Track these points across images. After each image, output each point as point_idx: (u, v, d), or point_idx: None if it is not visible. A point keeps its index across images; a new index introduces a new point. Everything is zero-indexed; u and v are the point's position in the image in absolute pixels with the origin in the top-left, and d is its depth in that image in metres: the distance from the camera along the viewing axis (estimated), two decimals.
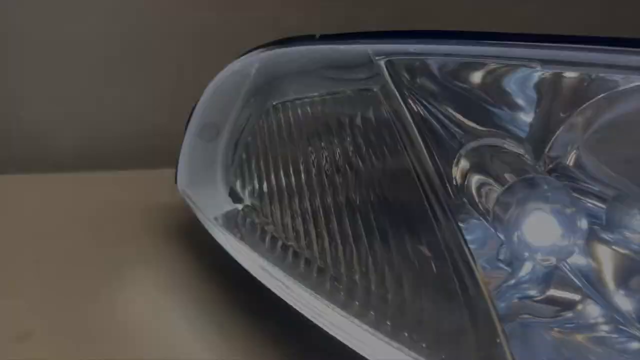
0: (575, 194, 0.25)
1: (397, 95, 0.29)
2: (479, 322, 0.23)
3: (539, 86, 0.27)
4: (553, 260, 0.24)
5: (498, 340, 0.22)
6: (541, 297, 0.26)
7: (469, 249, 0.24)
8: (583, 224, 0.23)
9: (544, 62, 0.27)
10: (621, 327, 0.26)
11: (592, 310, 0.26)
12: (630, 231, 0.25)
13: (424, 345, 0.25)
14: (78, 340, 0.31)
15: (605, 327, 0.26)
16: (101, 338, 0.31)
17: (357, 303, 0.28)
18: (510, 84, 0.28)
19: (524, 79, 0.28)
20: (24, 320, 0.32)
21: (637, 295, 0.25)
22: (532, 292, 0.26)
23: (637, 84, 0.25)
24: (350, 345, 0.25)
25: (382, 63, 0.30)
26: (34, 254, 0.38)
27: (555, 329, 0.26)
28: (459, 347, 0.24)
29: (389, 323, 0.26)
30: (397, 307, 0.27)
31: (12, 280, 0.36)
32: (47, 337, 0.31)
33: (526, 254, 0.24)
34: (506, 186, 0.25)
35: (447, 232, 0.25)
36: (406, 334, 0.25)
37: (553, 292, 0.26)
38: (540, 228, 0.23)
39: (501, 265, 0.26)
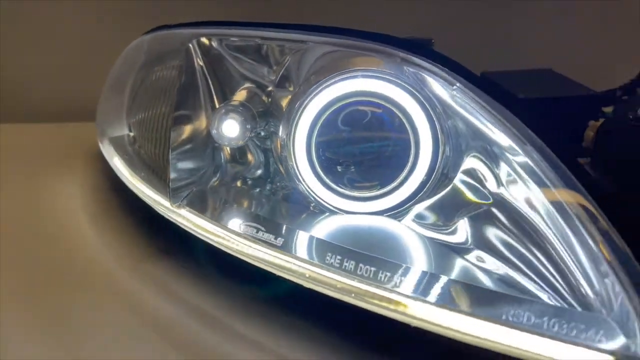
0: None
1: (200, 58, 0.49)
2: None
3: (267, 52, 0.46)
4: (238, 143, 0.44)
5: None
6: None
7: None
8: (251, 125, 0.43)
9: (263, 39, 0.46)
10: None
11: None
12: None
13: None
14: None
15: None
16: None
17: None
18: (253, 51, 0.47)
19: (260, 48, 0.47)
20: None
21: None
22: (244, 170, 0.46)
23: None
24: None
25: (191, 42, 0.50)
26: None
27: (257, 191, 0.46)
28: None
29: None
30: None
31: None
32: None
33: (225, 142, 0.44)
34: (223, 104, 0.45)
35: None
36: None
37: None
38: (229, 127, 0.44)
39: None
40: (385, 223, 0.39)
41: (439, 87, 0.36)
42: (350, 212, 0.40)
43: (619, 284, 0.26)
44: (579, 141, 0.55)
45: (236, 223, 0.38)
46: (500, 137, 0.33)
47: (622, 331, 0.26)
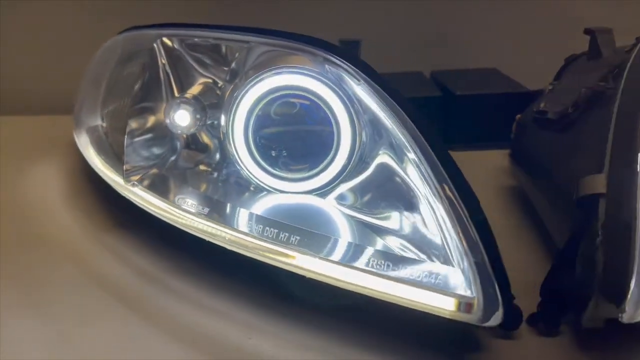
0: None
1: (163, 56, 0.54)
2: None
3: (219, 51, 0.52)
4: (190, 131, 0.49)
5: None
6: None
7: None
8: (201, 116, 0.49)
9: (215, 39, 0.52)
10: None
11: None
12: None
13: None
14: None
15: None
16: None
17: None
18: (208, 50, 0.53)
19: (214, 48, 0.52)
20: None
21: None
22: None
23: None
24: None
25: (155, 42, 0.55)
26: None
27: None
28: None
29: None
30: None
31: None
32: None
33: (178, 130, 0.50)
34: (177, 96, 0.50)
35: None
36: None
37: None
38: (180, 117, 0.49)
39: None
40: (311, 200, 0.45)
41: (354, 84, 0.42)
42: (283, 191, 0.46)
43: (465, 254, 0.33)
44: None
45: (175, 197, 0.44)
46: (392, 131, 0.39)
47: (466, 282, 0.33)
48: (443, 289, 0.34)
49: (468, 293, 0.33)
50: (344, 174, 0.45)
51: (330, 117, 0.44)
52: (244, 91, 0.45)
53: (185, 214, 0.43)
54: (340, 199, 0.45)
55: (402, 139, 0.38)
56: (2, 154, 0.66)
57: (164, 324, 0.39)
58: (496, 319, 0.32)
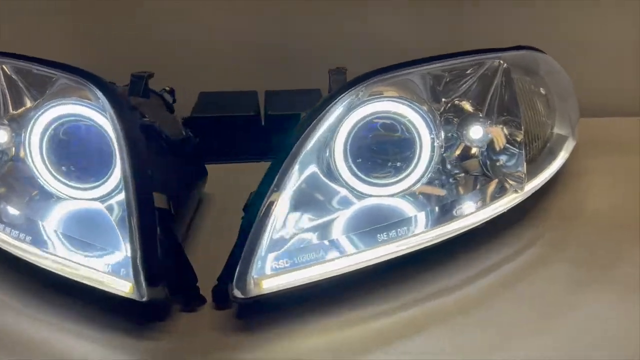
0: None
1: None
2: None
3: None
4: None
5: None
6: None
7: None
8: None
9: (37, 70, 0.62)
10: None
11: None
12: None
13: None
14: None
15: None
16: None
17: None
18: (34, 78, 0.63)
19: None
20: None
21: None
22: None
23: None
24: None
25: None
26: None
27: None
28: None
29: None
30: None
31: None
32: None
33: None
34: None
35: None
36: None
37: None
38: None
39: None
40: (95, 205, 0.56)
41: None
42: (74, 198, 0.56)
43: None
44: None
45: None
46: None
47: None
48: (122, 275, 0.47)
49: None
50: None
51: (106, 135, 0.54)
52: (38, 113, 0.55)
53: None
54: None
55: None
56: None
57: None
58: (145, 297, 0.45)
